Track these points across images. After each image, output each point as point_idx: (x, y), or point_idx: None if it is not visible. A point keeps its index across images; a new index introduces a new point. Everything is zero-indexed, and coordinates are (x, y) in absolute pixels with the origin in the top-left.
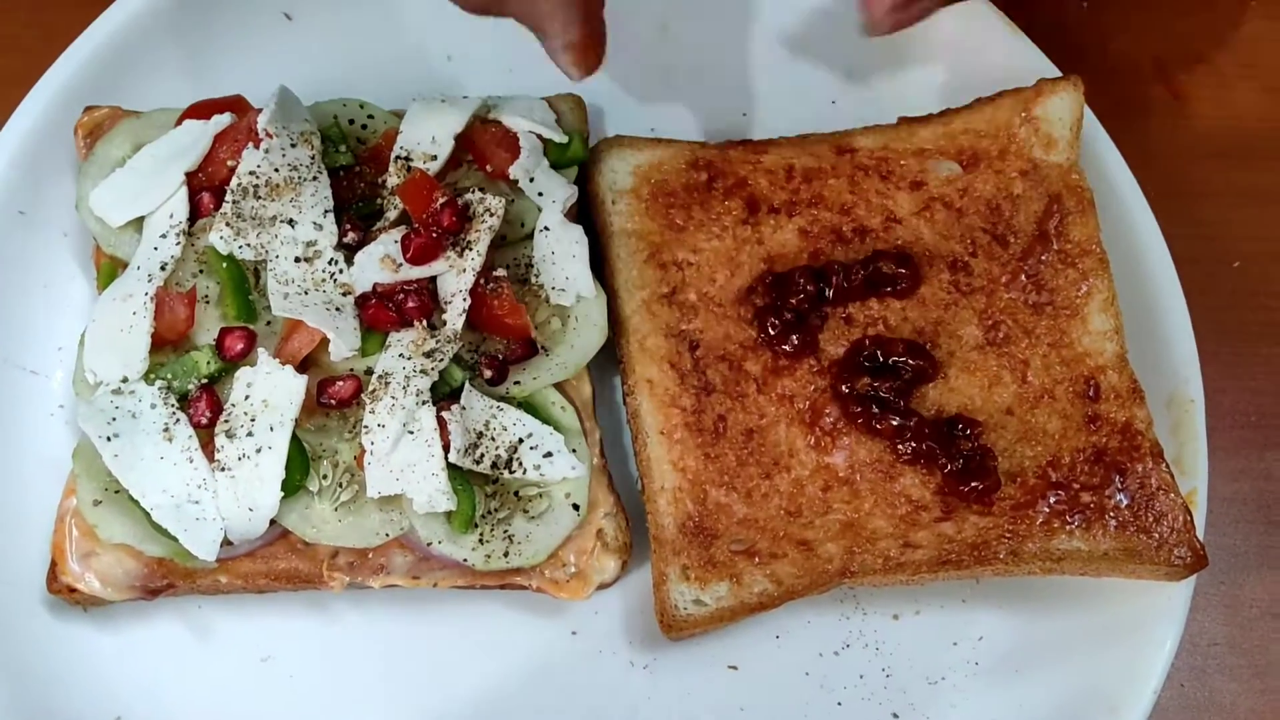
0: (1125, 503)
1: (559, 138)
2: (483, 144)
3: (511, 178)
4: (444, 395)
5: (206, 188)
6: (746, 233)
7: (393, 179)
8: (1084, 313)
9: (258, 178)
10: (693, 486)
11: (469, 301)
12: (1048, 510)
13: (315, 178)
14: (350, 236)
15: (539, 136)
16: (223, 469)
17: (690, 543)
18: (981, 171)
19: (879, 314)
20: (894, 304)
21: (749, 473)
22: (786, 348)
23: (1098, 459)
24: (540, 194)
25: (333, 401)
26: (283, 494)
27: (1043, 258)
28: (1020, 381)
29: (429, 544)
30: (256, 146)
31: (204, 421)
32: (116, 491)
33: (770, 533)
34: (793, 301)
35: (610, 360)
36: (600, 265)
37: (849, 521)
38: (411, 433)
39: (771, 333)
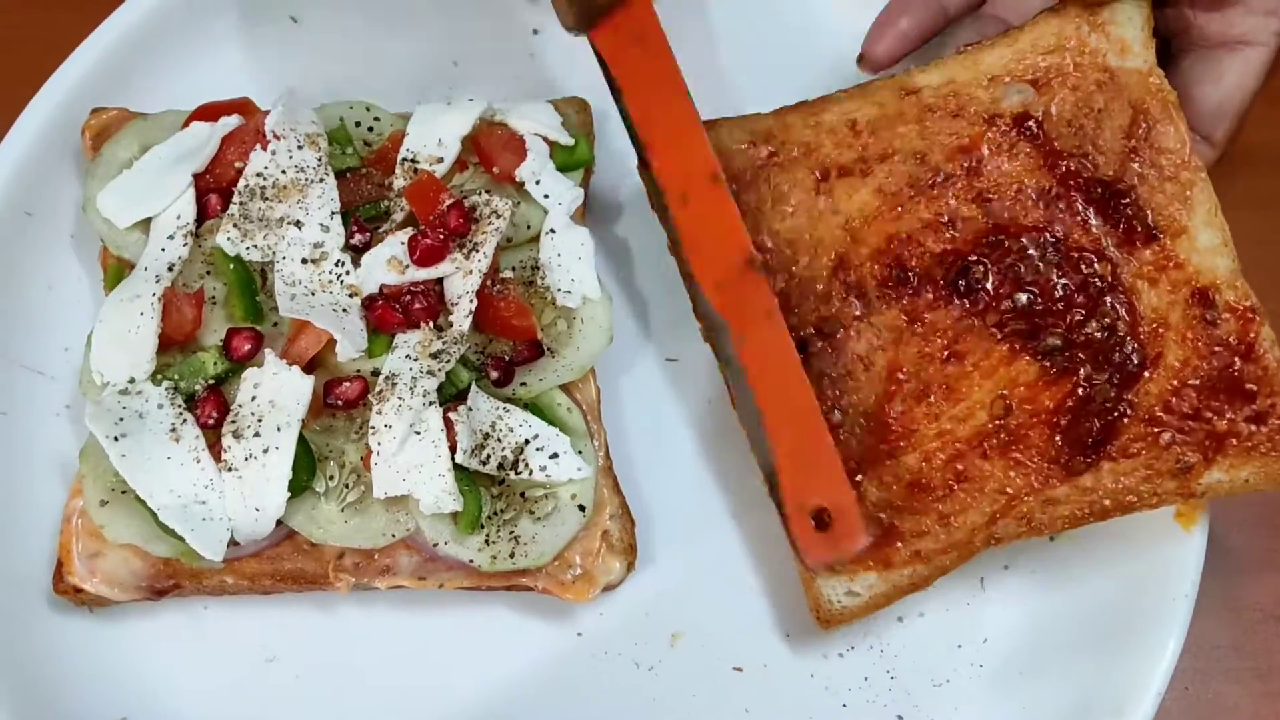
0: (1262, 429)
1: (566, 140)
2: (489, 147)
3: (518, 180)
4: (450, 396)
5: (214, 189)
6: (820, 204)
7: (399, 181)
8: (1190, 229)
9: (265, 179)
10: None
11: (475, 303)
12: (1182, 445)
13: (322, 179)
14: (357, 238)
15: (545, 139)
16: (230, 469)
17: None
18: (1056, 90)
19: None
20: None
21: (878, 454)
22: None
23: (1227, 385)
24: (546, 196)
25: (339, 402)
26: (289, 494)
27: (1138, 174)
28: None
29: (435, 545)
30: (264, 148)
31: (211, 422)
32: (123, 492)
33: (909, 511)
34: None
35: (617, 361)
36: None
37: (985, 488)
38: (418, 433)
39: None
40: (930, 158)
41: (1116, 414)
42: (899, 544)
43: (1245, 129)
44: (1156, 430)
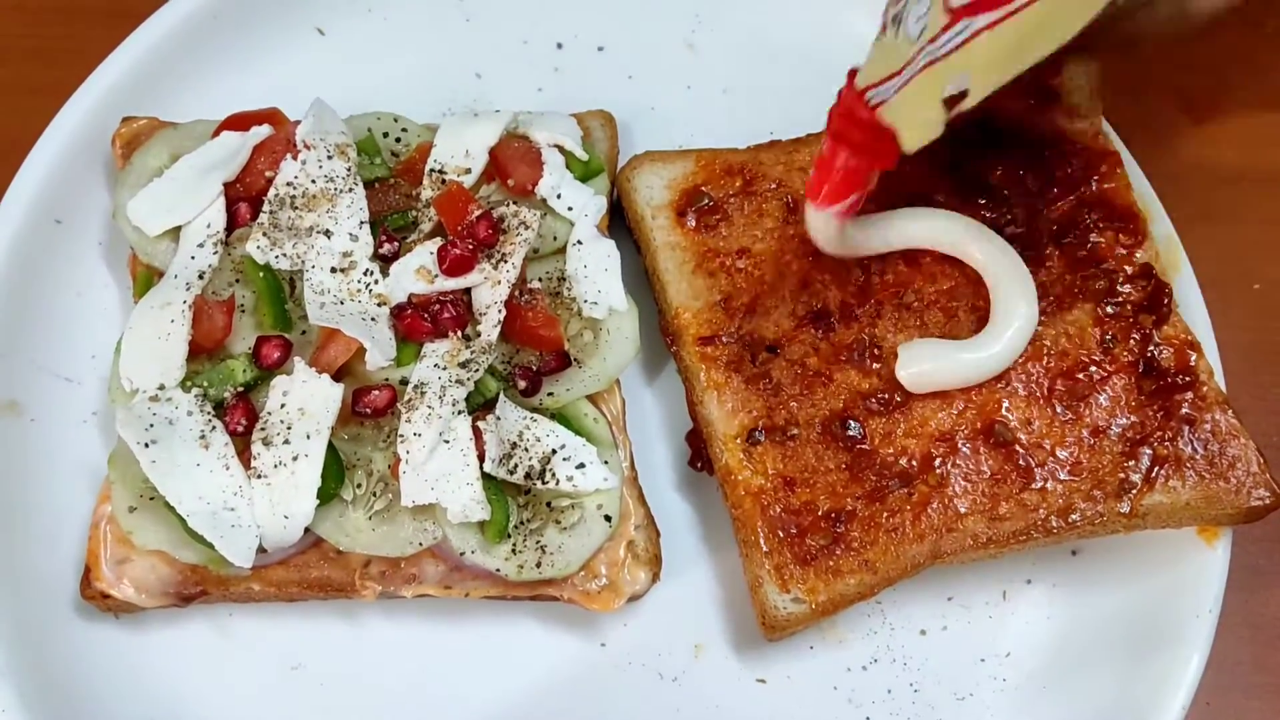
0: (1199, 452)
1: (580, 153)
2: (505, 159)
3: (539, 197)
4: (478, 406)
5: (243, 198)
6: (789, 232)
7: (427, 191)
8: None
9: (294, 189)
10: (775, 487)
11: (504, 313)
12: (1126, 468)
13: (351, 189)
14: (385, 248)
15: (561, 150)
16: (259, 476)
17: (780, 544)
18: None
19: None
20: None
21: (827, 465)
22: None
23: (1166, 413)
24: (570, 209)
25: (368, 410)
26: (318, 502)
27: (1086, 222)
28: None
29: (462, 553)
30: (294, 158)
31: (240, 429)
32: (152, 498)
33: (859, 521)
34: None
35: (641, 372)
36: (646, 280)
37: (933, 502)
38: (447, 442)
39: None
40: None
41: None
42: (848, 551)
43: (1266, 147)
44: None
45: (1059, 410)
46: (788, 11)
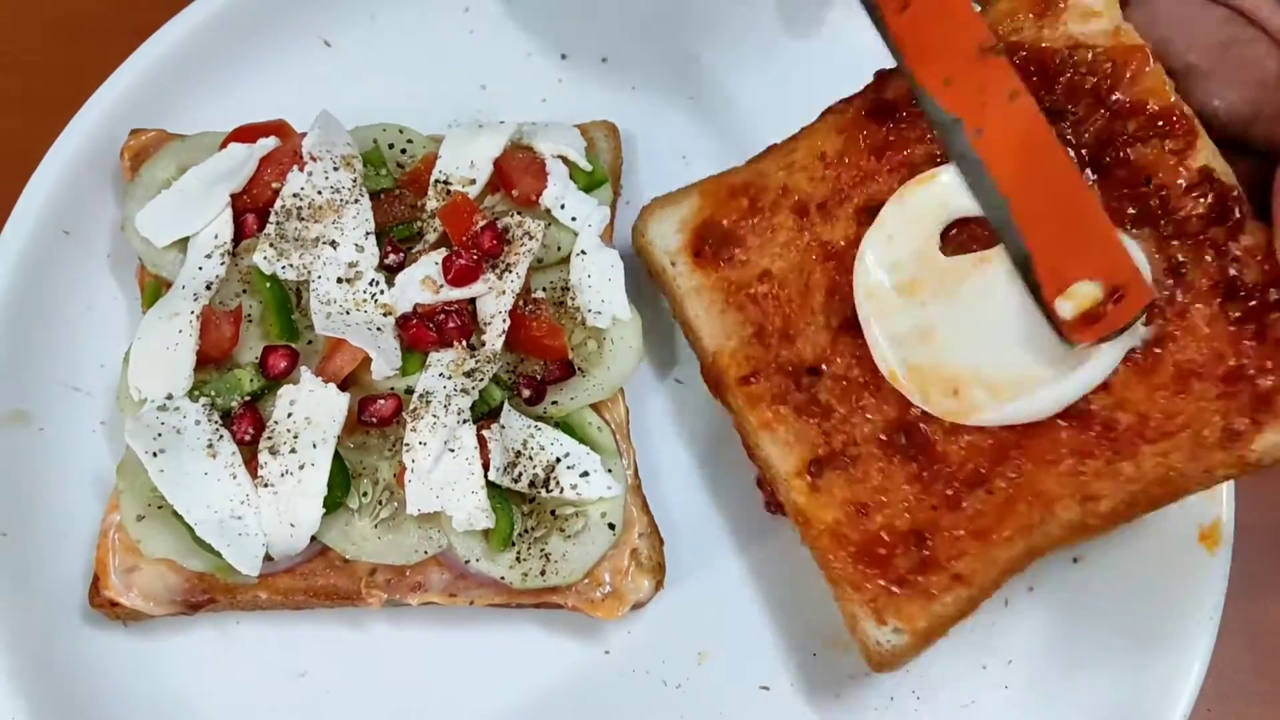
0: None
1: (584, 164)
2: (510, 170)
3: (543, 207)
4: (483, 414)
5: (250, 209)
6: (805, 240)
7: (432, 202)
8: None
9: (301, 200)
10: (848, 517)
11: (508, 323)
12: (1227, 412)
13: (357, 200)
14: (391, 258)
15: (565, 161)
16: (265, 485)
17: (866, 575)
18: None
19: None
20: None
21: (896, 480)
22: None
23: (1262, 337)
24: (574, 219)
25: (374, 420)
26: (324, 510)
27: (1123, 135)
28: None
29: (467, 561)
30: (301, 170)
31: (247, 438)
32: (160, 507)
33: (942, 534)
34: None
35: (645, 381)
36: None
37: (1018, 496)
38: (452, 451)
39: None
40: (901, 163)
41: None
42: (938, 568)
43: None
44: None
45: (1137, 358)
46: (791, 23)
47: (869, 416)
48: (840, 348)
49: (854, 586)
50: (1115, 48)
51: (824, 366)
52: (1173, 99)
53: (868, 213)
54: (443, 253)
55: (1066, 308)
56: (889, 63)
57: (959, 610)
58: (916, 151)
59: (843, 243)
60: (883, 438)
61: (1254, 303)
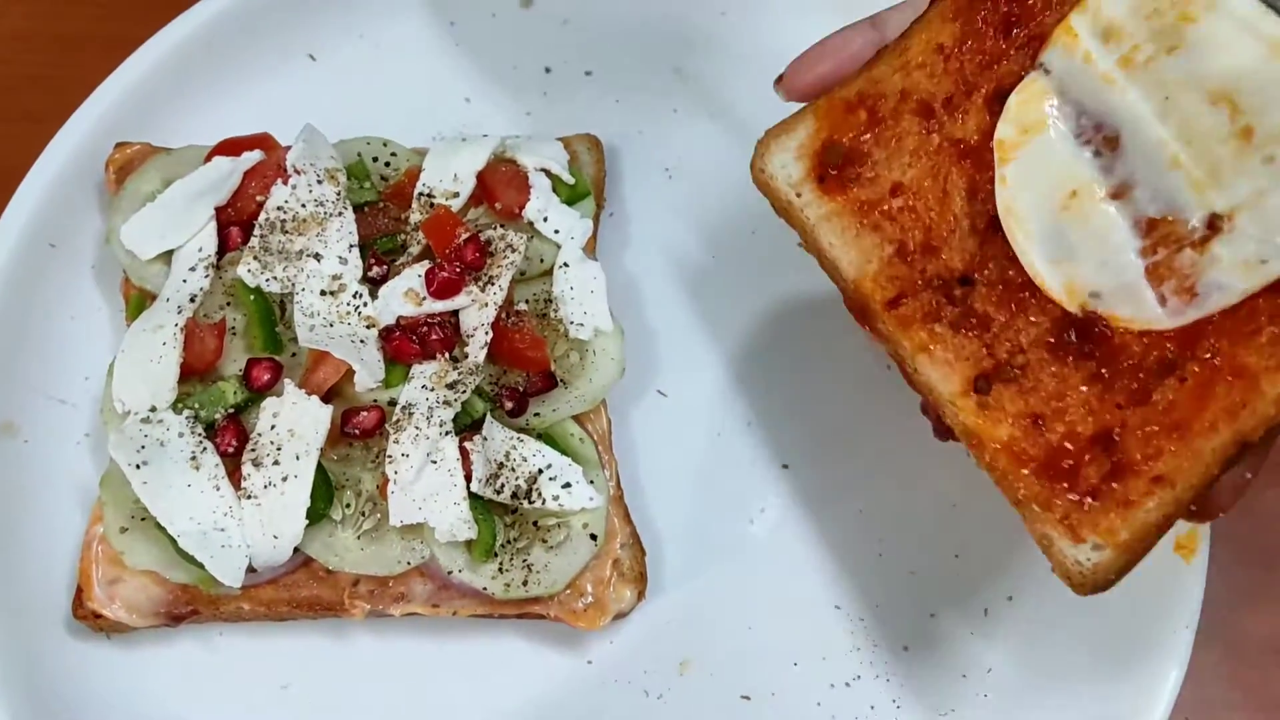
0: None
1: (567, 178)
2: (493, 183)
3: (526, 220)
4: (466, 426)
5: (234, 222)
6: (934, 143)
7: (416, 215)
8: None
9: (285, 213)
10: (1025, 432)
11: (491, 335)
12: None
13: (340, 213)
14: (374, 270)
15: (548, 174)
16: (249, 497)
17: (1054, 491)
18: None
19: None
20: None
21: (1073, 382)
22: None
23: None
24: (557, 232)
25: (357, 431)
26: (307, 522)
27: None
28: None
29: (449, 572)
30: (284, 183)
31: (230, 450)
32: (143, 519)
33: (1134, 434)
34: None
35: (627, 392)
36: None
37: (1215, 378)
38: (435, 462)
39: None
40: (1026, 42)
41: None
42: (1132, 475)
43: None
44: None
45: None
46: (774, 37)
47: (1033, 319)
48: (991, 250)
49: (1043, 505)
50: None
51: (976, 274)
52: None
53: (999, 99)
54: (426, 265)
55: None
56: None
57: (1165, 515)
58: (1048, 20)
59: (977, 137)
60: (1051, 340)
61: None
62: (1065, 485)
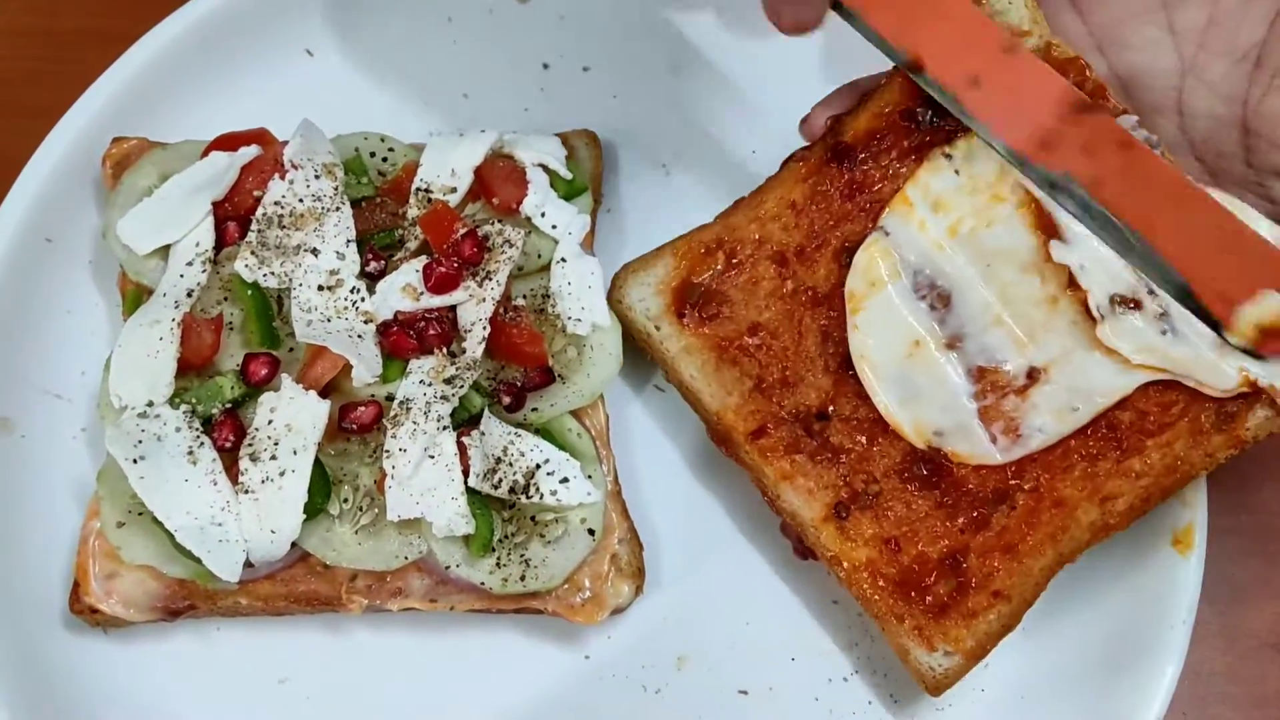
0: None
1: (564, 173)
2: (491, 178)
3: (524, 215)
4: (463, 421)
5: (232, 217)
6: (789, 287)
7: (413, 210)
8: None
9: (282, 208)
10: (881, 554)
11: (488, 330)
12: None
13: (338, 208)
14: (372, 265)
15: (545, 169)
16: (246, 492)
17: (909, 606)
18: None
19: None
20: None
21: (920, 510)
22: None
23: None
24: (554, 227)
25: (354, 426)
26: (304, 517)
27: None
28: None
29: (447, 567)
30: (282, 178)
31: (227, 445)
32: (140, 513)
33: (974, 554)
34: None
35: (625, 387)
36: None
37: (1039, 506)
38: (432, 457)
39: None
40: (871, 201)
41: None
42: (976, 590)
43: None
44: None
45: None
46: (771, 34)
47: (885, 452)
48: (844, 388)
49: (898, 619)
50: (1052, 62)
51: (831, 409)
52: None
53: (847, 253)
54: (423, 260)
55: (1249, 324)
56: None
57: (1003, 625)
58: (885, 189)
59: (828, 286)
60: (902, 471)
61: None
62: (919, 600)
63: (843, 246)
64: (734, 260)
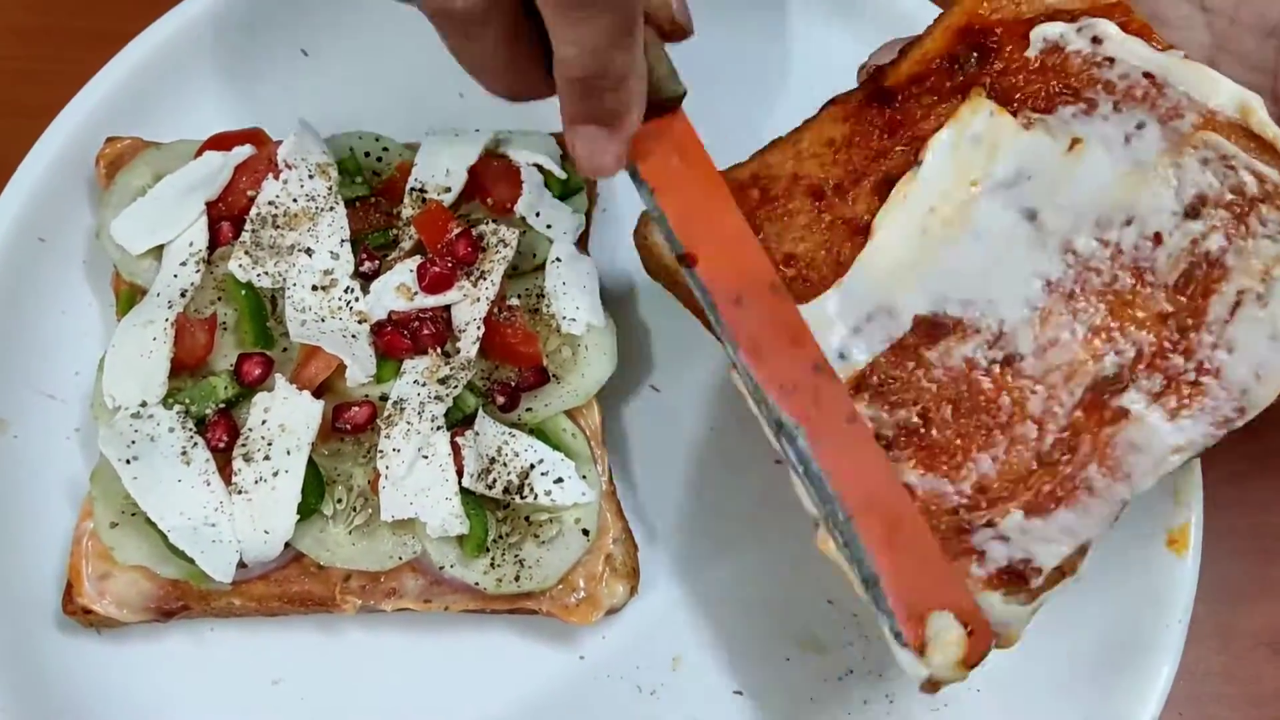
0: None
1: (559, 172)
2: (485, 178)
3: (518, 215)
4: (457, 421)
5: (225, 217)
6: (826, 219)
7: (407, 210)
8: None
9: (276, 208)
10: (927, 500)
11: (483, 330)
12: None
13: (332, 208)
14: (366, 265)
15: (540, 169)
16: (239, 492)
17: (960, 554)
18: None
19: None
20: None
21: (969, 446)
22: None
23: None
24: (549, 226)
25: (348, 426)
26: (298, 517)
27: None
28: None
29: (441, 567)
30: (276, 178)
31: (221, 445)
32: (133, 514)
33: (1015, 487)
34: None
35: (619, 387)
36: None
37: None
38: (426, 458)
39: None
40: (908, 138)
41: None
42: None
43: None
44: None
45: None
46: (769, 26)
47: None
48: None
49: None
50: (1093, 6)
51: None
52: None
53: (887, 185)
54: (417, 260)
55: (940, 649)
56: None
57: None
58: (925, 126)
59: (866, 217)
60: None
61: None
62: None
63: (883, 180)
64: (769, 195)
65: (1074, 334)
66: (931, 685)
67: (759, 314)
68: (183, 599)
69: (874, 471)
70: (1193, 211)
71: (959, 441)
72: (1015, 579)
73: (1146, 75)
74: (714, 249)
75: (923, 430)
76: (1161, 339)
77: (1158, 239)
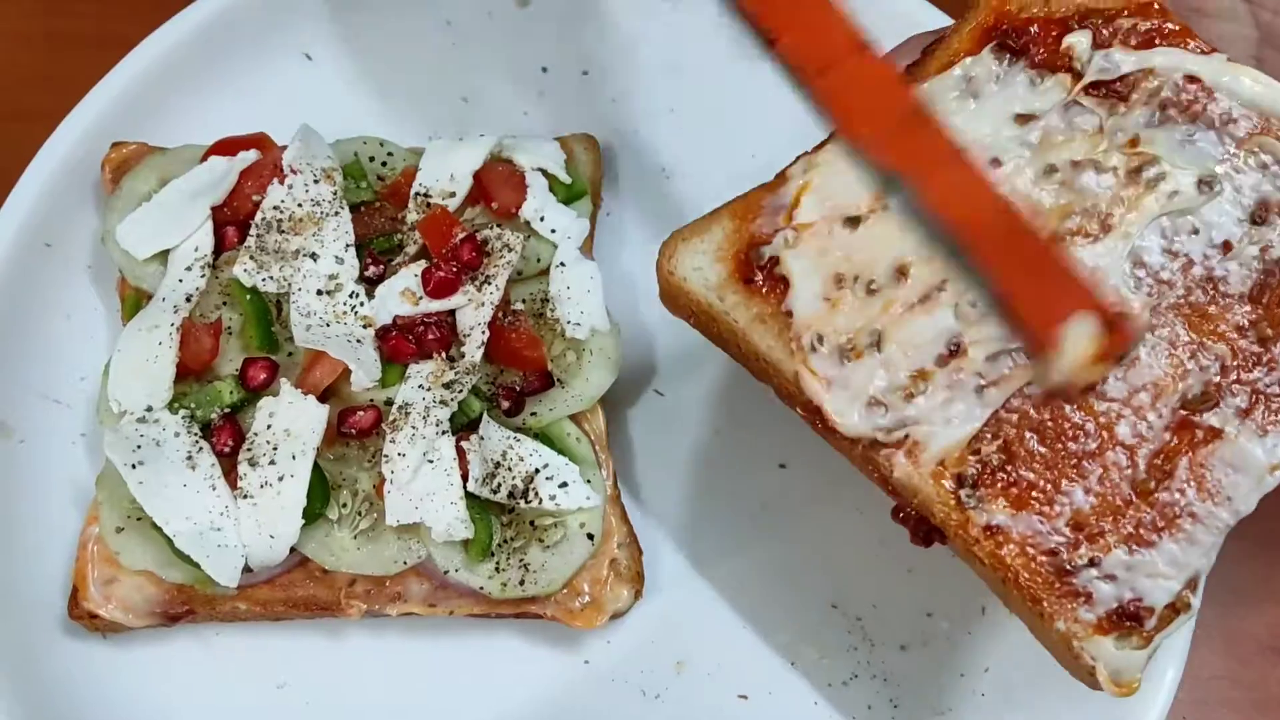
0: None
1: (563, 177)
2: (490, 182)
3: (523, 219)
4: (462, 426)
5: (231, 222)
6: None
7: (412, 215)
8: None
9: (281, 212)
10: (1022, 542)
11: (487, 334)
12: None
13: (337, 213)
14: (371, 270)
15: (545, 174)
16: (245, 496)
17: (1065, 597)
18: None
19: None
20: None
21: (1059, 478)
22: None
23: None
24: (553, 231)
25: (353, 431)
26: (303, 522)
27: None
28: None
29: (446, 572)
30: (281, 182)
31: (226, 450)
32: (139, 519)
33: (1113, 520)
34: None
35: (624, 392)
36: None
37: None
38: (431, 462)
39: None
40: None
41: None
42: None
43: None
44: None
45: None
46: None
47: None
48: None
49: (1059, 616)
50: (1130, 5)
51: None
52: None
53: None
54: (422, 265)
55: (1071, 349)
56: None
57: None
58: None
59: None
60: (1040, 431)
61: None
62: (1071, 593)
63: None
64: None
65: (1155, 351)
66: (1072, 391)
67: (845, 76)
68: (188, 603)
69: (985, 200)
70: (1259, 218)
71: (1048, 474)
72: (1128, 621)
73: (1192, 79)
74: (795, 28)
75: (1008, 466)
76: (1244, 351)
77: (1227, 248)
